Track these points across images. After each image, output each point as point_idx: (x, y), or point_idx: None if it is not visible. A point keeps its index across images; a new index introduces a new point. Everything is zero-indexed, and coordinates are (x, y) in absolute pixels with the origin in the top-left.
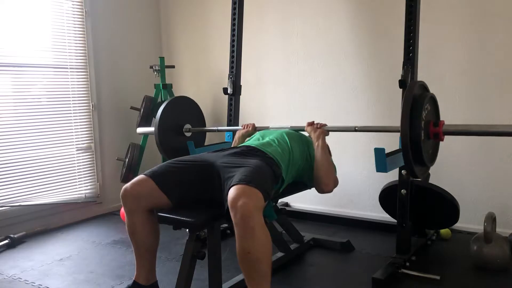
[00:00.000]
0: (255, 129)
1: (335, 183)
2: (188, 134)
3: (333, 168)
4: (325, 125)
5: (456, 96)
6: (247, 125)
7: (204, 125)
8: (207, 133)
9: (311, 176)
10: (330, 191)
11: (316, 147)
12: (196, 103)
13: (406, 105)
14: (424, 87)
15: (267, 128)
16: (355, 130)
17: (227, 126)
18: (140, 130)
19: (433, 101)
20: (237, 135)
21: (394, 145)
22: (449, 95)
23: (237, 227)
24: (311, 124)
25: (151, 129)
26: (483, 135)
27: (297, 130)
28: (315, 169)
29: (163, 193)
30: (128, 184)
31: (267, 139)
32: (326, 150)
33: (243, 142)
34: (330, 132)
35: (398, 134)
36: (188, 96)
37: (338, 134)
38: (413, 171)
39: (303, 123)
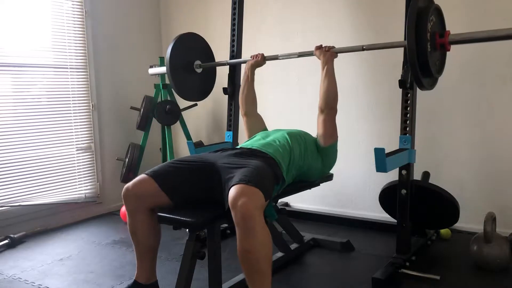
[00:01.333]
0: (264, 58)
1: (336, 105)
2: (198, 70)
3: (337, 89)
4: (333, 47)
5: (456, 95)
6: (257, 55)
7: (213, 60)
8: (207, 132)
9: (312, 175)
10: (334, 107)
11: (325, 71)
12: (203, 38)
13: (411, 17)
14: None
15: (276, 57)
16: (363, 49)
17: (227, 126)
18: (152, 70)
19: (438, 12)
20: (247, 66)
21: (394, 145)
22: (448, 95)
23: (237, 227)
24: (319, 47)
25: (162, 68)
26: (489, 41)
27: (307, 54)
28: (322, 90)
29: (164, 193)
30: (129, 184)
31: (268, 139)
32: (334, 73)
33: (253, 72)
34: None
35: (398, 133)
36: None
37: (338, 134)
38: (421, 84)
39: (302, 123)
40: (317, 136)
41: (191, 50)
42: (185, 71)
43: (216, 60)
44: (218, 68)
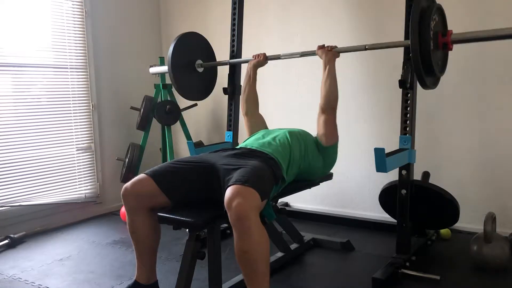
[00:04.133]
0: (266, 58)
1: (336, 102)
2: (200, 70)
3: (338, 89)
4: (335, 46)
5: (455, 96)
6: (258, 55)
7: (215, 59)
8: (207, 132)
9: (312, 174)
10: (334, 106)
11: (327, 70)
12: (204, 38)
13: (415, 16)
14: None
15: (278, 56)
16: (366, 49)
17: (227, 126)
18: (153, 70)
19: (441, 12)
20: (249, 65)
21: (394, 145)
22: (448, 94)
23: (234, 228)
24: (321, 47)
25: (164, 68)
26: (491, 40)
27: (308, 54)
28: (323, 89)
29: (163, 193)
30: (128, 183)
31: (268, 138)
32: (335, 73)
33: (255, 72)
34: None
35: (398, 133)
36: None
37: (338, 134)
38: (424, 82)
39: (302, 123)
40: (317, 136)
41: (192, 50)
42: (186, 70)
43: (216, 60)
44: (218, 68)
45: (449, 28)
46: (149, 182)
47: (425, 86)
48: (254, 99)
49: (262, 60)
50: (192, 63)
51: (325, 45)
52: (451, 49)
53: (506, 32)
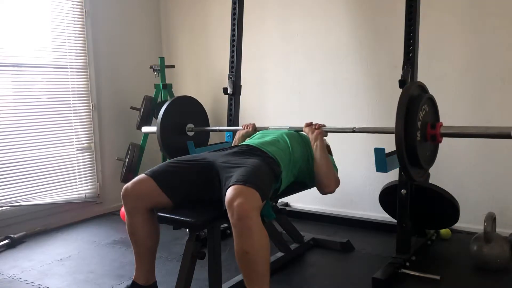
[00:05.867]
0: (255, 129)
1: (337, 183)
2: (190, 134)
3: (333, 168)
4: (324, 125)
5: (456, 96)
6: (247, 125)
7: (208, 124)
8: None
9: (312, 177)
10: (332, 191)
11: (314, 148)
12: (199, 102)
13: (401, 106)
14: (422, 87)
15: (266, 128)
16: (353, 131)
17: (227, 126)
18: (145, 129)
19: (432, 102)
20: (237, 135)
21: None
22: (449, 95)
23: (234, 228)
24: (309, 124)
25: (154, 128)
26: (481, 137)
27: (296, 130)
28: (315, 171)
29: (164, 193)
30: (129, 184)
31: (267, 138)
32: (325, 150)
33: (243, 141)
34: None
35: None
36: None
37: (338, 134)
38: (409, 174)
39: (303, 123)
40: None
41: (184, 113)
42: (176, 133)
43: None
44: (218, 68)
45: (441, 119)
46: (149, 182)
47: (409, 177)
48: None
49: (251, 130)
50: (183, 127)
51: (313, 123)
52: (440, 142)
53: (495, 131)
